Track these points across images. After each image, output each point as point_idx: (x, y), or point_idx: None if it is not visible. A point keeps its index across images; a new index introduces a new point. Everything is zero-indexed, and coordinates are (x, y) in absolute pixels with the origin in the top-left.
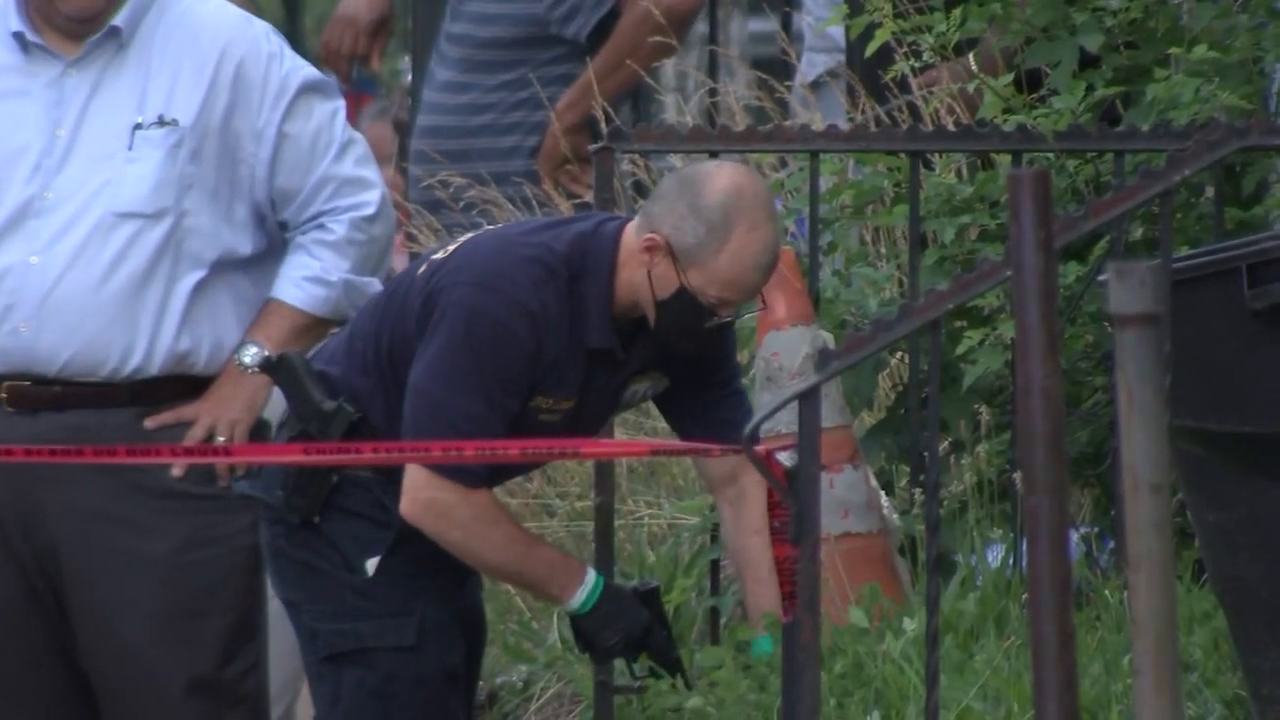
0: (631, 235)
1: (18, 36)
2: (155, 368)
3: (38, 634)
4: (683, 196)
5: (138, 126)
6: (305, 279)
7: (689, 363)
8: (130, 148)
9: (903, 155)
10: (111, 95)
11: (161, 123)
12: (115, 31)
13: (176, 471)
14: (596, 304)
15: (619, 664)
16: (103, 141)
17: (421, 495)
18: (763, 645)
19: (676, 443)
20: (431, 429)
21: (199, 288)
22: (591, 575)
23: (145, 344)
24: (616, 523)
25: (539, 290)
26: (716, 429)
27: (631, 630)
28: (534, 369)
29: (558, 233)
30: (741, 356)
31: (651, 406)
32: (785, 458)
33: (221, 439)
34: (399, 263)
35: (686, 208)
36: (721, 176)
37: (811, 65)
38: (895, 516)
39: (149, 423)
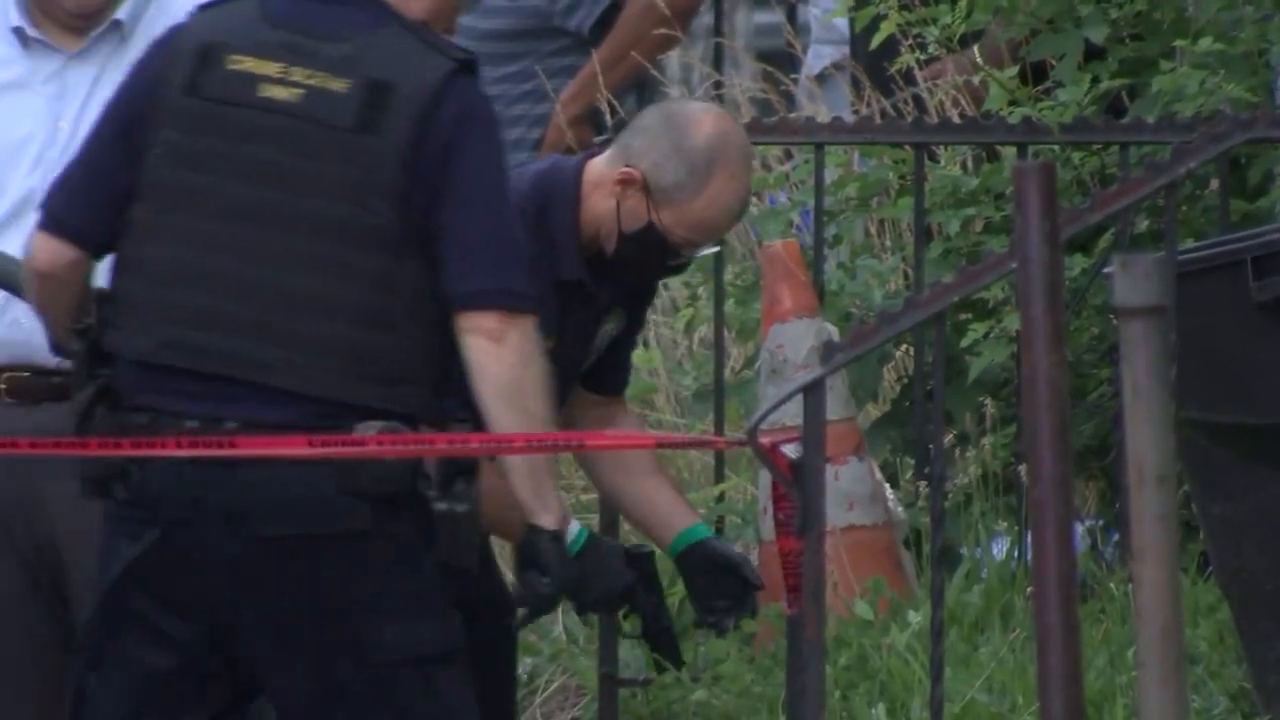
0: (602, 166)
1: (17, 31)
2: None
3: (40, 624)
4: (667, 135)
5: None
6: None
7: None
8: None
9: (908, 148)
10: (112, 88)
11: None
12: (117, 25)
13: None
14: (564, 235)
15: (625, 656)
16: None
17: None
18: (698, 531)
19: (681, 435)
20: None
21: None
22: (576, 525)
23: None
24: (619, 515)
25: None
26: (620, 373)
27: (613, 586)
28: None
29: (518, 173)
30: (746, 349)
31: (656, 399)
32: (790, 450)
33: None
34: None
35: (670, 147)
36: (708, 121)
37: (818, 58)
38: (900, 509)
39: None
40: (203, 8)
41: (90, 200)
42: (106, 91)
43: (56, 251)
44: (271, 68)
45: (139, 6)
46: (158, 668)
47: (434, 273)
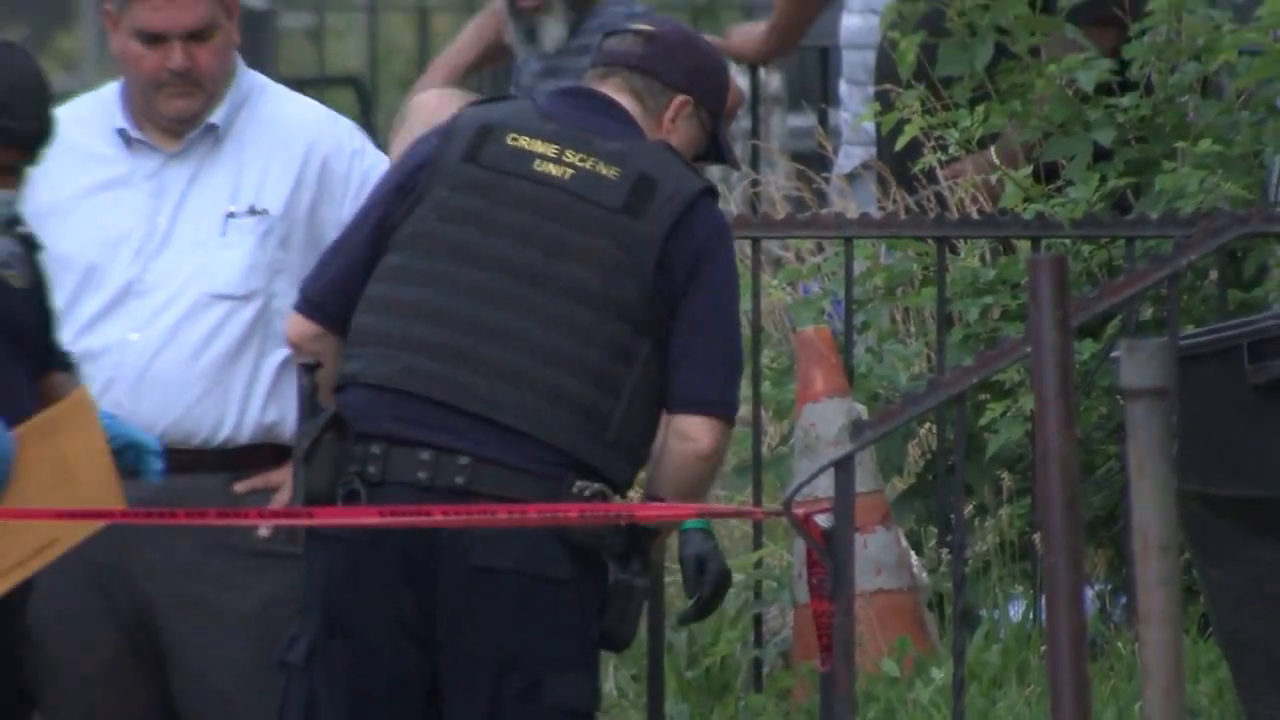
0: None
1: (121, 133)
2: (244, 437)
3: (139, 684)
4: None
5: (231, 215)
6: None
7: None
8: (224, 234)
9: (930, 241)
10: (207, 186)
11: (253, 212)
12: (212, 128)
13: (264, 532)
14: None
15: (670, 711)
16: (199, 229)
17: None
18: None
19: (722, 506)
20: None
21: (285, 364)
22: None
23: (235, 415)
24: (667, 579)
25: None
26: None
27: (722, 566)
28: None
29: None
30: (781, 427)
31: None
32: (822, 520)
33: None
34: None
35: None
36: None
37: (848, 158)
38: (924, 574)
39: (239, 487)
40: (474, 104)
41: (341, 288)
42: (201, 188)
43: (304, 328)
44: (548, 148)
45: (232, 111)
46: (377, 693)
47: (661, 361)
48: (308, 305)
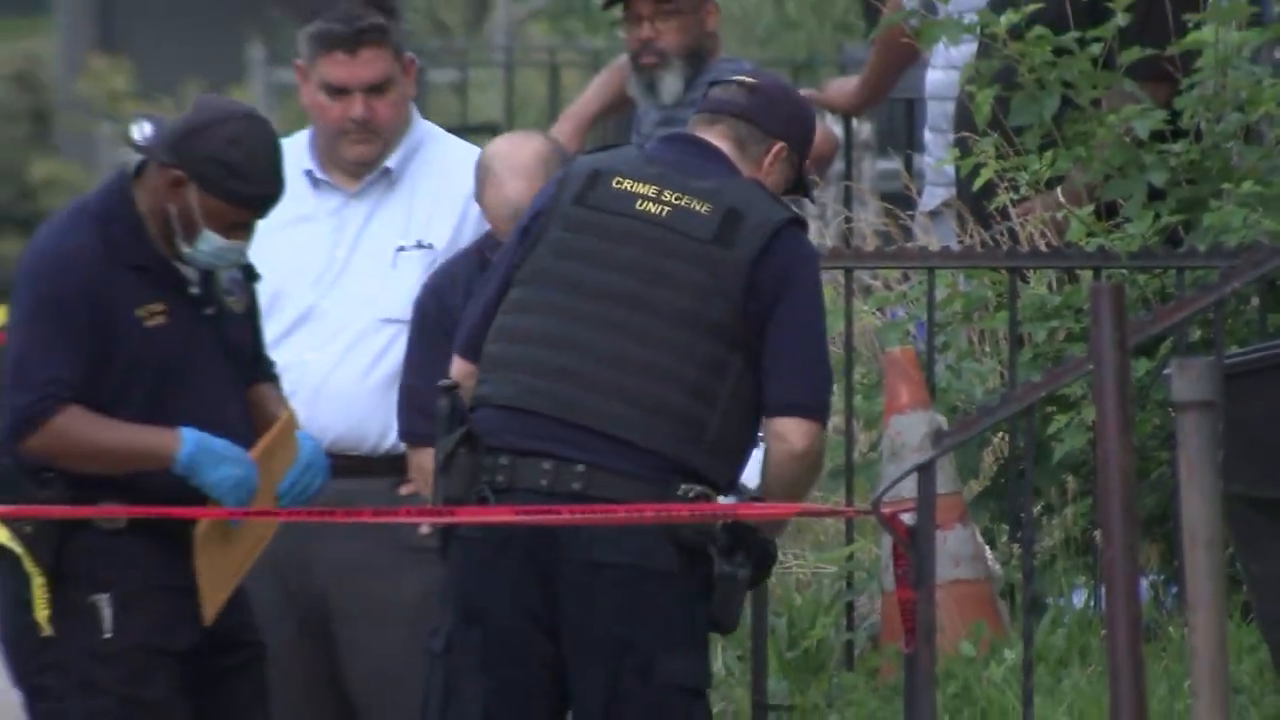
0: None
1: (308, 173)
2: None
3: (314, 665)
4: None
5: (401, 249)
6: None
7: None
8: (394, 266)
9: (1003, 271)
10: (381, 222)
11: (420, 246)
12: (387, 171)
13: (424, 530)
14: None
15: (773, 687)
16: (372, 260)
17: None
18: None
19: (819, 506)
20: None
21: None
22: None
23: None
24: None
25: None
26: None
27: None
28: None
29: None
30: (871, 436)
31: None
32: (907, 518)
33: None
34: None
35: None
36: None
37: (931, 197)
38: (997, 566)
39: (403, 490)
40: (589, 151)
41: (485, 330)
42: (376, 224)
43: (464, 368)
44: (649, 189)
45: (406, 156)
46: (513, 676)
47: (755, 373)
48: (465, 349)
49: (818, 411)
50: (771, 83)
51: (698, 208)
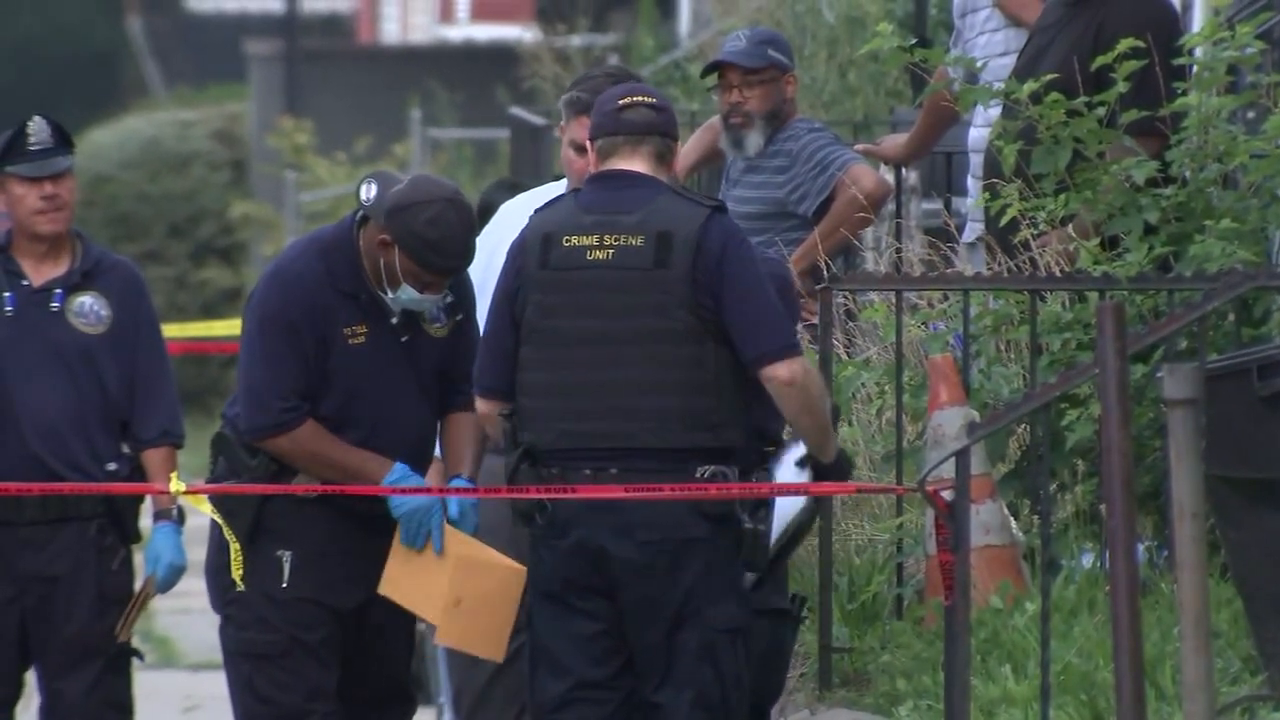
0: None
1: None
2: None
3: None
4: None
5: None
6: None
7: None
8: None
9: (1025, 292)
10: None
11: None
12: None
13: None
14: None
15: (836, 631)
16: None
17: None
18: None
19: (874, 484)
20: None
21: None
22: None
23: None
24: (833, 536)
25: None
26: None
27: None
28: None
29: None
30: (917, 427)
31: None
32: (946, 494)
33: None
34: None
35: None
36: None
37: (971, 231)
38: (1020, 534)
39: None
40: (537, 211)
41: (498, 370)
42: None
43: (488, 407)
44: (591, 239)
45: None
46: (584, 632)
47: (732, 348)
48: (485, 391)
49: (785, 348)
50: (658, 93)
51: (634, 242)
